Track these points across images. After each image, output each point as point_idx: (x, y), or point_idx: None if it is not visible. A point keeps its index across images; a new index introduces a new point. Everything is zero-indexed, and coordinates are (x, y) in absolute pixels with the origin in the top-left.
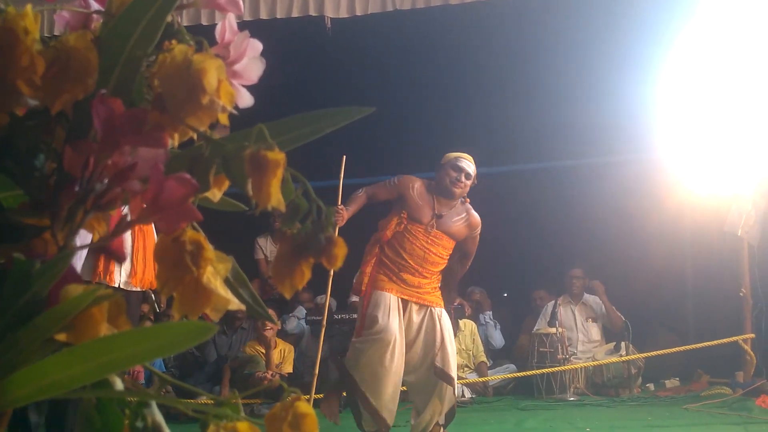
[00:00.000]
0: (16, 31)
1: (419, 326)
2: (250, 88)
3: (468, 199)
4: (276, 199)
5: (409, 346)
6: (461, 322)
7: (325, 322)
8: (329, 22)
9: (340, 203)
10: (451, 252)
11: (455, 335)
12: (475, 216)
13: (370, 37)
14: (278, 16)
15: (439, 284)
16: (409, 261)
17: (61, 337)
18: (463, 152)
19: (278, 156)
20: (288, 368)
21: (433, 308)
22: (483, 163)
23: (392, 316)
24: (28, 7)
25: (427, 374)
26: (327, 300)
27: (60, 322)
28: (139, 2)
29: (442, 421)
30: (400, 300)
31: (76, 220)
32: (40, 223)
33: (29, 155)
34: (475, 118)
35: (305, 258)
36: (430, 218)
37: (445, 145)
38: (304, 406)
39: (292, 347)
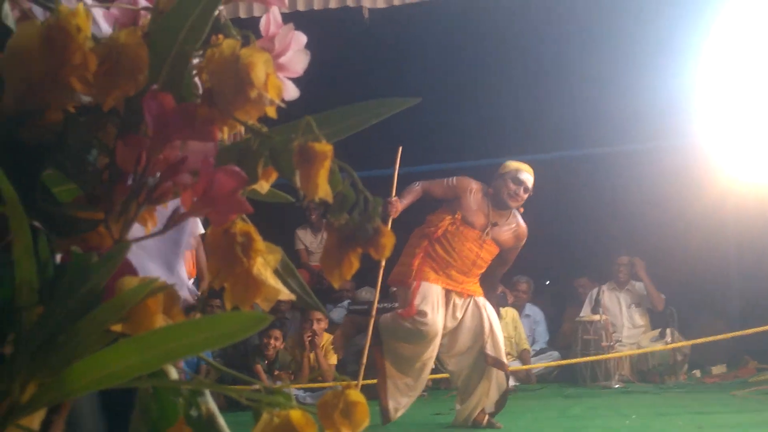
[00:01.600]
0: (68, 29)
1: (463, 315)
2: (294, 81)
3: (522, 209)
4: (324, 190)
5: (455, 336)
6: (503, 310)
7: (374, 311)
8: (367, 13)
9: (394, 194)
10: (493, 257)
11: (500, 319)
12: (524, 227)
13: (409, 27)
14: (315, 8)
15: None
16: (458, 261)
17: (118, 328)
18: (516, 152)
19: (326, 148)
20: (333, 359)
21: (476, 297)
22: (526, 151)
23: (439, 311)
24: (80, 5)
25: (473, 361)
26: (377, 288)
27: (117, 314)
28: None
29: (490, 409)
30: (444, 292)
31: (129, 214)
32: (95, 217)
33: (82, 151)
34: (517, 104)
35: (353, 248)
36: (484, 225)
37: (490, 133)
38: (356, 394)
39: (329, 336)
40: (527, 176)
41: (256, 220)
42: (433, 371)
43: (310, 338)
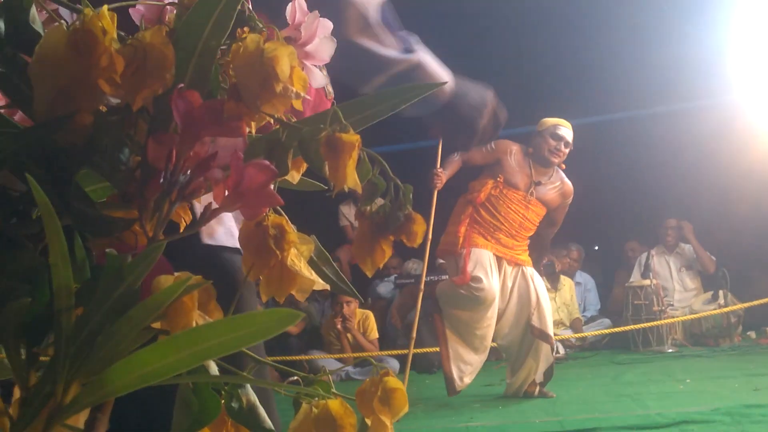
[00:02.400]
0: (94, 32)
1: (512, 286)
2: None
3: (564, 165)
4: (352, 180)
5: (503, 306)
6: (561, 279)
7: (423, 285)
8: None
9: (438, 166)
10: (542, 219)
11: (556, 291)
12: (569, 184)
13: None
14: None
15: (528, 246)
16: (504, 225)
17: (157, 325)
18: (559, 117)
19: (353, 138)
20: (374, 335)
21: (524, 268)
22: (569, 116)
23: (493, 275)
24: (105, 7)
25: (522, 334)
26: (425, 261)
27: (154, 313)
28: None
29: (540, 379)
30: (495, 258)
31: (163, 211)
32: (129, 216)
33: (115, 150)
34: (559, 69)
35: (385, 236)
36: (528, 185)
37: (535, 99)
38: (394, 381)
39: (369, 312)
40: (566, 131)
41: (299, 198)
42: None
43: (341, 321)
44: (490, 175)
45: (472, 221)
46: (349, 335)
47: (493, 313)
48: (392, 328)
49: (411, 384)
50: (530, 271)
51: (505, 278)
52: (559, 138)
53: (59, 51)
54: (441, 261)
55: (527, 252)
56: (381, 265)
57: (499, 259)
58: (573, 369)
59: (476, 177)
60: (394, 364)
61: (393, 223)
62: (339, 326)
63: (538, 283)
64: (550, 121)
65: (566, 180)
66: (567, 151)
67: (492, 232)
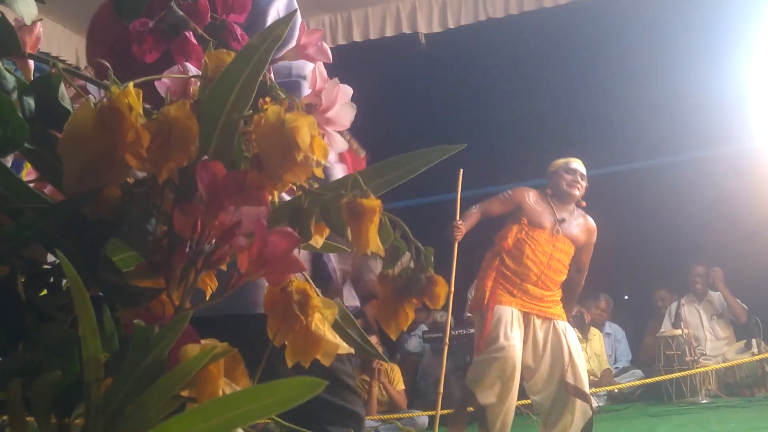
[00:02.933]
0: (121, 109)
1: (544, 341)
2: (359, 109)
3: (584, 203)
4: (375, 244)
5: (536, 363)
6: (591, 331)
7: (447, 339)
8: (424, 38)
9: (458, 218)
10: (570, 261)
11: (587, 341)
12: (591, 221)
13: (465, 48)
14: (372, 37)
15: (560, 298)
16: (533, 269)
17: (185, 393)
18: (571, 156)
19: (374, 203)
20: (400, 386)
21: (556, 321)
22: (594, 165)
23: (514, 332)
24: (131, 84)
25: (556, 390)
26: (449, 318)
27: (181, 382)
28: (234, 66)
29: None
30: (521, 314)
31: (189, 280)
32: (156, 285)
33: (142, 220)
34: (580, 119)
35: (408, 299)
36: (553, 223)
37: (556, 150)
38: None
39: (395, 365)
40: (578, 164)
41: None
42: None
43: (379, 366)
44: (514, 221)
45: (498, 275)
46: (377, 386)
47: (518, 371)
48: (423, 383)
49: None
50: (563, 325)
51: (535, 333)
52: (574, 171)
53: (87, 127)
54: (469, 315)
55: (559, 304)
56: (405, 328)
57: (527, 315)
58: (606, 422)
59: (500, 228)
60: (423, 420)
61: (416, 286)
62: (375, 370)
63: (571, 337)
64: (561, 160)
65: (588, 217)
66: (584, 184)
67: (519, 284)
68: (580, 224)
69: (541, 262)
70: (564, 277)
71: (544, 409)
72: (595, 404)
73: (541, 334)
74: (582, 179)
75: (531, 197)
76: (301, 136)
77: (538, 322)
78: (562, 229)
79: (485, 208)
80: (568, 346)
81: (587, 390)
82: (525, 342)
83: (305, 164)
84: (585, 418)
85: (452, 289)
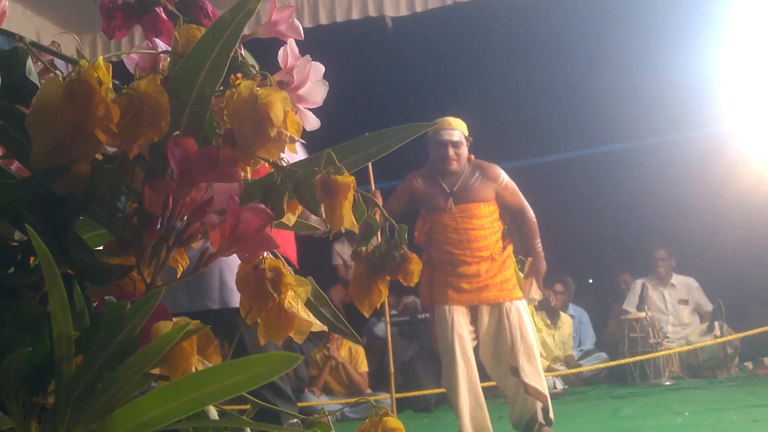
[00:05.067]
0: (90, 82)
1: (487, 329)
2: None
3: (473, 156)
4: (348, 221)
5: (484, 350)
6: (561, 317)
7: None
8: (390, 21)
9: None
10: (494, 218)
11: (556, 328)
12: (492, 168)
13: (432, 32)
14: (338, 20)
15: (511, 260)
16: (454, 252)
17: (157, 371)
18: (451, 117)
19: (347, 179)
20: (363, 368)
21: (505, 304)
22: (561, 149)
23: (454, 331)
24: (100, 58)
25: (505, 375)
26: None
27: (154, 359)
28: (205, 40)
29: (541, 419)
30: (467, 310)
31: (160, 257)
32: (127, 263)
33: (112, 197)
34: (543, 105)
35: (381, 277)
36: (444, 200)
37: (517, 134)
38: (393, 422)
39: (359, 347)
40: (447, 132)
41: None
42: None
43: (326, 356)
44: (418, 214)
45: (431, 271)
46: (339, 367)
47: (468, 364)
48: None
49: (408, 424)
50: (508, 306)
51: (482, 325)
52: (443, 144)
53: (56, 102)
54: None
55: (510, 279)
56: (378, 306)
57: (474, 308)
58: (570, 404)
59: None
60: (388, 403)
61: (389, 264)
62: (320, 361)
63: (514, 319)
64: (432, 129)
65: (486, 165)
66: (461, 150)
67: (453, 271)
68: (476, 180)
69: (459, 242)
70: (496, 237)
71: (505, 392)
72: (560, 387)
73: (486, 323)
74: (455, 147)
75: (419, 182)
76: (274, 112)
77: (486, 310)
78: (455, 200)
79: (388, 208)
80: (510, 329)
81: (544, 389)
82: (478, 333)
83: (278, 140)
84: (534, 404)
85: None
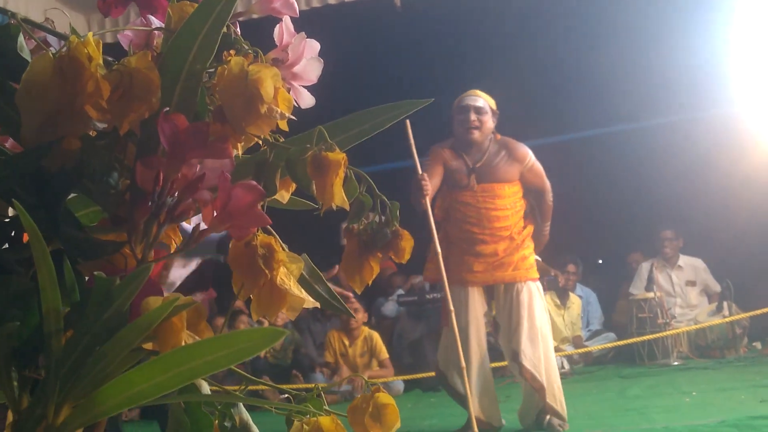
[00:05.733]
0: (80, 58)
1: (501, 309)
2: (333, 76)
3: (498, 135)
4: (339, 197)
5: (498, 332)
6: (570, 297)
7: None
8: (399, 1)
9: (420, 170)
10: (518, 198)
11: (566, 308)
12: (519, 147)
13: (440, 11)
14: (347, 0)
15: (530, 239)
16: (473, 230)
17: (147, 346)
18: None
19: (339, 156)
20: (383, 355)
21: (516, 284)
22: (563, 131)
23: (469, 314)
24: (90, 34)
25: (513, 358)
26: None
27: (143, 334)
28: (196, 17)
29: (550, 412)
30: (479, 290)
31: (152, 234)
32: (119, 239)
33: (104, 174)
34: (557, 83)
35: (373, 253)
36: (466, 177)
37: (523, 115)
38: (385, 397)
39: (375, 333)
40: (472, 98)
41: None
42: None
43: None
44: (440, 191)
45: (446, 247)
46: (357, 357)
47: (479, 347)
48: (398, 347)
49: (416, 403)
50: (519, 286)
51: (498, 303)
52: (466, 109)
53: (46, 78)
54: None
55: (527, 259)
56: (369, 282)
57: (489, 289)
58: (579, 384)
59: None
60: (399, 385)
61: (381, 240)
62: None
63: (524, 300)
64: (458, 98)
65: (514, 143)
66: (484, 118)
67: (469, 249)
68: (501, 158)
69: (479, 220)
70: (518, 217)
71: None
72: (568, 367)
73: (502, 303)
74: (478, 113)
75: (447, 153)
76: (264, 88)
77: (501, 290)
78: (477, 179)
79: (432, 187)
80: (519, 310)
81: (525, 362)
82: (492, 312)
83: (269, 116)
84: (535, 399)
85: (438, 250)
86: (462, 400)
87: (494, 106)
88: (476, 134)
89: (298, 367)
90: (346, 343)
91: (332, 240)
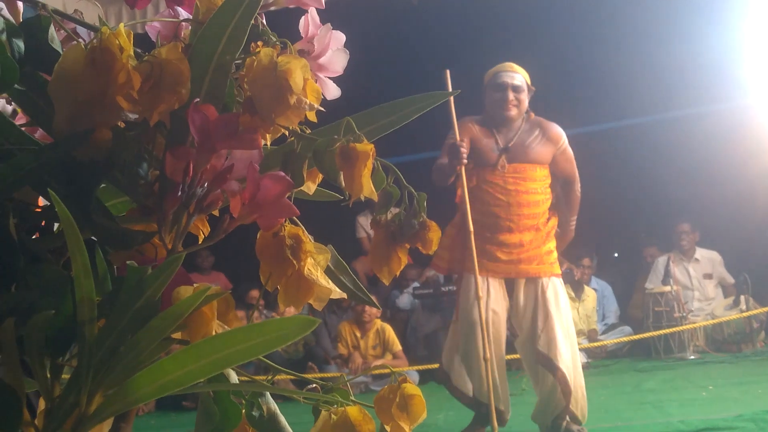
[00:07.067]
0: (112, 49)
1: (524, 305)
2: (350, 68)
3: (532, 114)
4: (368, 188)
5: (518, 327)
6: (585, 290)
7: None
8: None
9: (458, 137)
10: (547, 184)
11: (580, 301)
12: (553, 127)
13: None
14: None
15: (554, 232)
16: (499, 215)
17: (177, 335)
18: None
19: (367, 147)
20: (396, 347)
21: (540, 279)
22: (583, 123)
23: (488, 307)
24: (121, 25)
25: (532, 360)
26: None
27: (174, 323)
28: (225, 8)
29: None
30: (499, 282)
31: (181, 224)
32: (149, 229)
33: (134, 164)
34: (571, 76)
35: (400, 244)
36: (497, 155)
37: (540, 107)
38: (412, 388)
39: (387, 325)
40: (509, 75)
41: (317, 210)
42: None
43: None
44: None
45: (463, 235)
46: (369, 349)
47: (494, 342)
48: (413, 339)
49: (431, 395)
50: (545, 282)
51: (517, 301)
52: (503, 87)
53: (78, 69)
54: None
55: (551, 253)
56: (397, 273)
57: (510, 282)
58: (594, 377)
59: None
60: (414, 376)
61: (408, 231)
62: (366, 319)
63: (550, 297)
64: (492, 70)
65: (548, 124)
66: (521, 96)
67: (491, 238)
68: (535, 138)
69: (507, 204)
70: (546, 206)
71: (533, 382)
72: (584, 360)
73: (522, 299)
74: (516, 91)
75: (475, 128)
76: (293, 79)
77: (522, 284)
78: (508, 159)
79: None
80: (546, 307)
81: (560, 362)
82: (509, 309)
83: (298, 107)
84: (558, 399)
85: (471, 229)
86: (467, 400)
87: (530, 82)
88: (513, 112)
89: (313, 359)
90: (358, 335)
91: (347, 233)
